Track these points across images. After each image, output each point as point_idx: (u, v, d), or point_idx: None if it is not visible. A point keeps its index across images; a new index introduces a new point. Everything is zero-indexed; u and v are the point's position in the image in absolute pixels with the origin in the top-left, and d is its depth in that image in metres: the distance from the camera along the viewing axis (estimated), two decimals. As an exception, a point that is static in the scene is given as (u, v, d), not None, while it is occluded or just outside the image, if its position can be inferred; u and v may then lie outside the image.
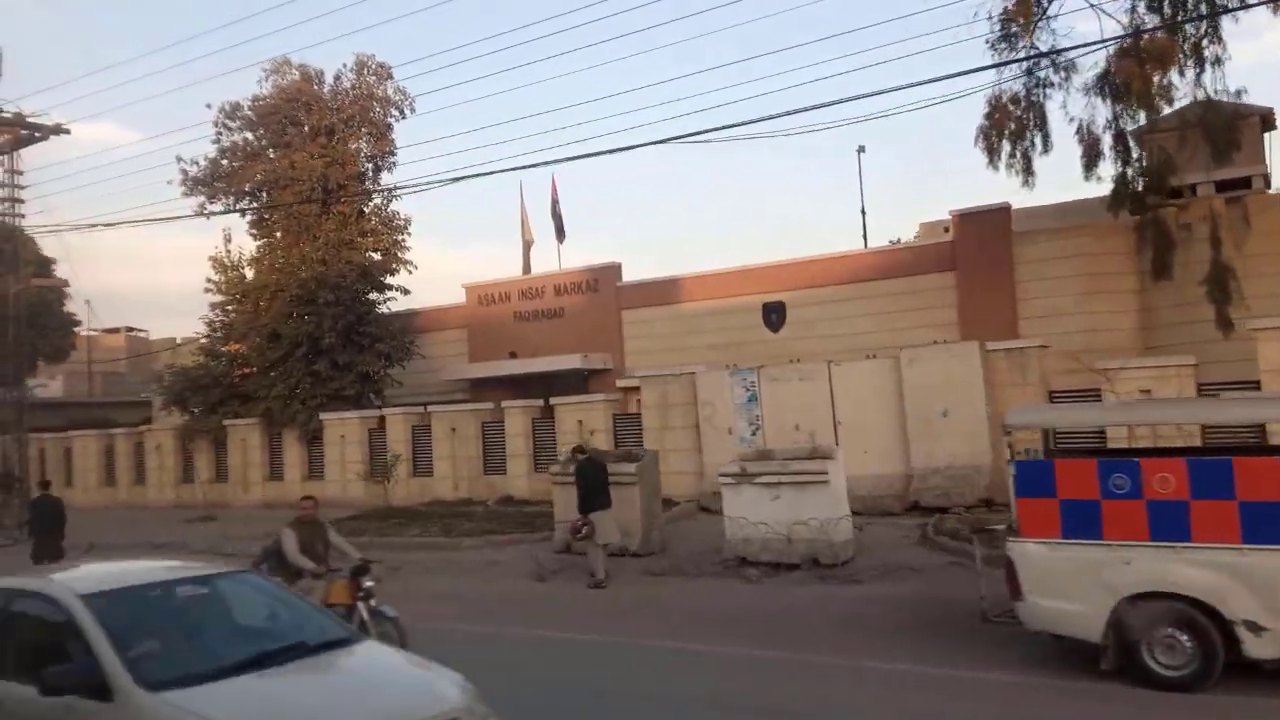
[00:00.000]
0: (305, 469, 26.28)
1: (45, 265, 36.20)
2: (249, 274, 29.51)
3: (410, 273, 27.96)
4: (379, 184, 29.60)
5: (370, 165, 29.39)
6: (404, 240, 28.54)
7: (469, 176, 31.53)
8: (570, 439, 20.54)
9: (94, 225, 24.91)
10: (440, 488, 23.27)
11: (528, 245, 33.45)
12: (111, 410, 49.00)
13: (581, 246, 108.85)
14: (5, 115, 22.83)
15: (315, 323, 25.08)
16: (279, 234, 29.55)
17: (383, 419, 25.05)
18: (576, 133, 79.43)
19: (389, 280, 27.58)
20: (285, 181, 27.45)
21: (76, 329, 39.42)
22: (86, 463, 31.55)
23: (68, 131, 23.28)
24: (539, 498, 20.51)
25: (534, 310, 30.98)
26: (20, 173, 23.29)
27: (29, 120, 23.16)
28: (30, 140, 23.32)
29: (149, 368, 41.37)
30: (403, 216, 28.87)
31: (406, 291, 28.11)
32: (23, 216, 23.21)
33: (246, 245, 29.50)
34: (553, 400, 23.63)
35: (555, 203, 32.61)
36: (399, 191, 28.87)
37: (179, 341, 38.73)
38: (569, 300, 30.67)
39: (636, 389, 22.72)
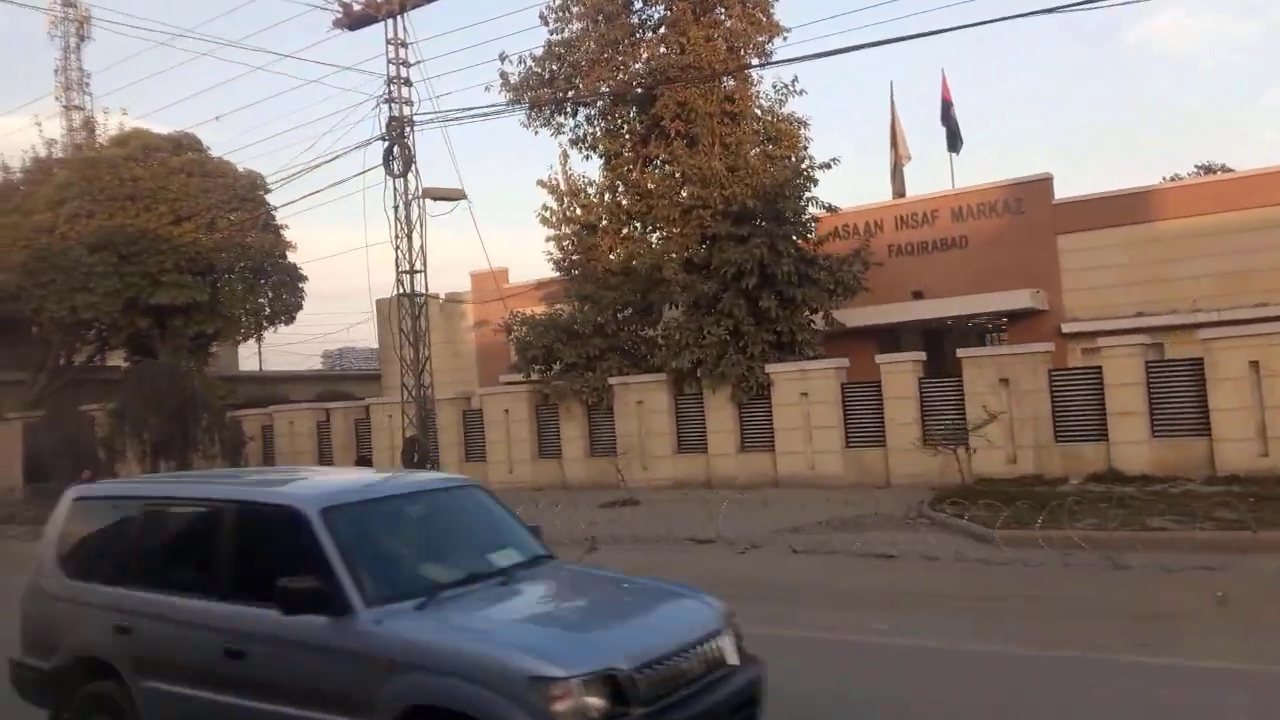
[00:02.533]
0: (738, 438, 20.44)
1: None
2: (592, 197, 23.91)
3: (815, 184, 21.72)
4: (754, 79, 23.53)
5: (753, 55, 23.32)
6: (806, 149, 22.57)
7: (834, 52, 25.14)
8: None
9: (458, 118, 18.96)
10: (989, 460, 17.31)
11: (900, 162, 27.37)
12: (342, 383, 43.79)
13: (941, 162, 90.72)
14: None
15: (760, 248, 19.11)
16: (626, 150, 23.75)
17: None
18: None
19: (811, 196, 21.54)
20: (673, 72, 21.47)
21: (303, 284, 33.86)
22: (390, 438, 25.93)
23: None
24: (1167, 472, 14.84)
25: (919, 241, 24.93)
26: (406, 43, 17.29)
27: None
28: None
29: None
30: (798, 117, 22.86)
31: (832, 209, 22.11)
32: (410, 104, 17.31)
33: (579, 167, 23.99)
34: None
35: (948, 104, 26.45)
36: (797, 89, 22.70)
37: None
38: (975, 226, 24.59)
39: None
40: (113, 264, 28.65)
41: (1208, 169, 34.44)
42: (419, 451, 17.12)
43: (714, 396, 20.46)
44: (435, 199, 17.80)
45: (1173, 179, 30.76)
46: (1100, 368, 17.11)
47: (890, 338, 24.67)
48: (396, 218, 17.27)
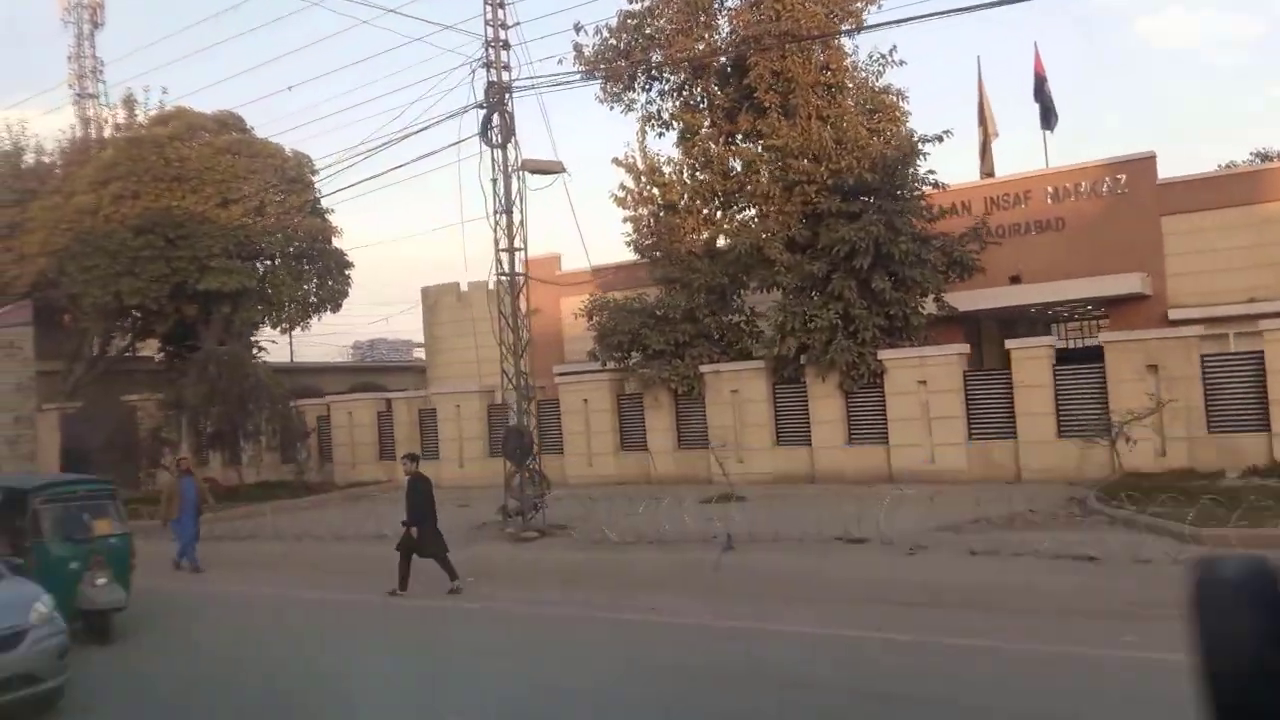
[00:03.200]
0: (846, 429, 19.18)
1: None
2: (670, 176, 22.70)
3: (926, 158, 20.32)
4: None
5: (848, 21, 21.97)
6: (907, 122, 21.23)
7: (931, 15, 23.75)
8: None
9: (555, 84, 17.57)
10: (1136, 453, 16.03)
11: (987, 140, 26.09)
12: (377, 375, 42.50)
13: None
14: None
15: (876, 225, 17.79)
16: (705, 125, 22.49)
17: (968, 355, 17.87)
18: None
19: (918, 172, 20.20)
20: (768, 40, 20.16)
21: (349, 270, 32.58)
22: (458, 429, 24.75)
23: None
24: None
25: (1010, 223, 23.65)
26: (504, 2, 15.95)
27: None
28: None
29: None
30: (895, 89, 21.51)
31: (939, 185, 20.78)
32: (507, 69, 15.96)
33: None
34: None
35: (1041, 78, 25.15)
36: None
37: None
38: (1072, 207, 23.34)
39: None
40: (159, 248, 27.40)
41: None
42: (523, 442, 15.85)
43: (819, 385, 19.20)
44: (533, 172, 16.59)
45: None
46: (1261, 352, 15.85)
47: (972, 325, 23.48)
48: (495, 192, 16.01)
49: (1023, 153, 77.37)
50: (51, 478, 12.43)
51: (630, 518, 16.36)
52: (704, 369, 20.59)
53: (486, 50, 16.01)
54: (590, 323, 21.73)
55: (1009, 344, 18.10)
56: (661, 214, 22.97)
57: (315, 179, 30.85)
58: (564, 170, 16.57)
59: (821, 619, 9.80)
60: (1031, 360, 17.33)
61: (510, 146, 16.16)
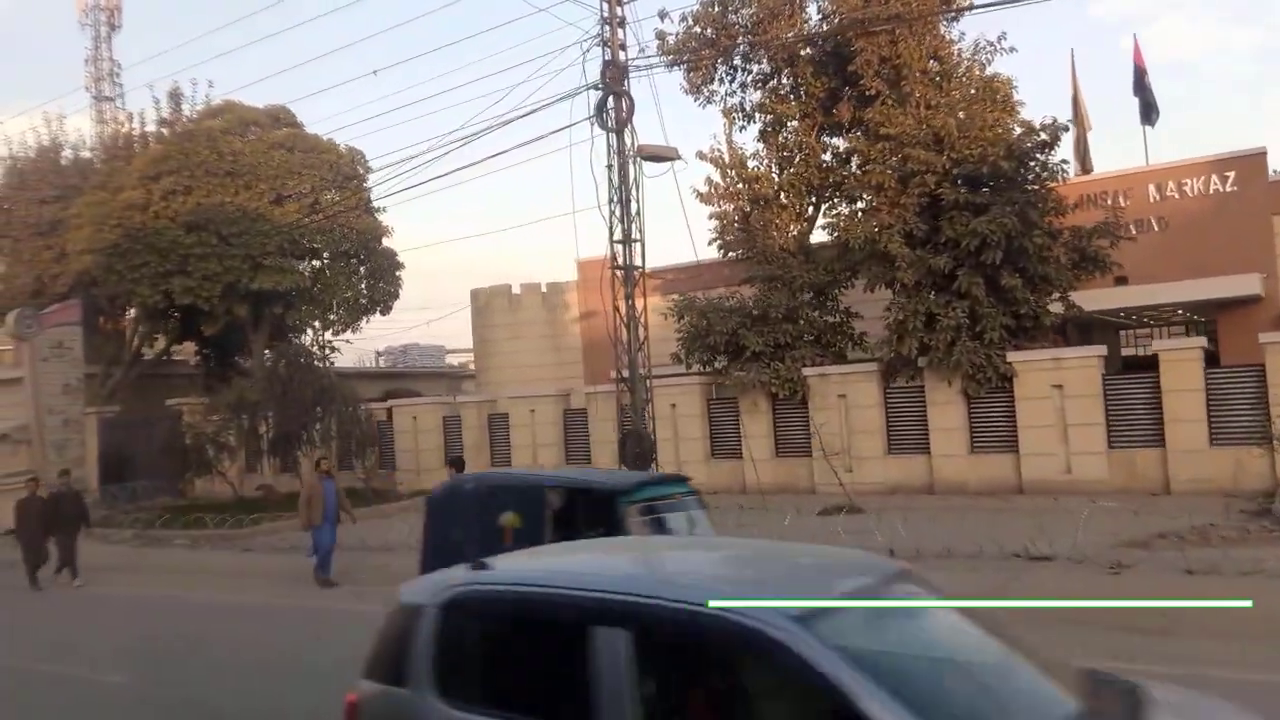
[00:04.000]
0: (968, 436, 18.00)
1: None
2: (759, 169, 21.68)
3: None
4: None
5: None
6: (1020, 113, 20.13)
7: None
8: None
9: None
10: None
11: (1083, 134, 25.00)
12: (408, 380, 41.26)
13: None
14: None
15: (1009, 218, 16.63)
16: (793, 117, 21.45)
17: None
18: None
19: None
20: (876, 24, 19.07)
21: (400, 272, 31.44)
22: (531, 434, 23.53)
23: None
24: None
25: (1109, 222, 22.53)
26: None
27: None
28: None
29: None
30: (1003, 77, 20.41)
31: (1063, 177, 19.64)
32: (624, 48, 14.74)
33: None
34: None
35: (1141, 71, 24.08)
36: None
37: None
38: (1177, 205, 22.26)
39: None
40: (212, 245, 26.27)
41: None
42: (643, 446, 14.68)
43: (939, 389, 18.01)
44: (648, 159, 15.47)
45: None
46: None
47: (1071, 328, 22.37)
48: (611, 179, 14.89)
49: (1118, 150, 74.16)
50: (641, 477, 9.45)
51: (744, 529, 15.17)
52: (808, 372, 19.42)
53: (602, 28, 14.92)
54: (680, 323, 20.53)
55: (1156, 346, 16.96)
56: (748, 209, 21.90)
57: (369, 176, 29.88)
58: (679, 157, 15.52)
59: (1087, 647, 8.61)
60: (1181, 363, 16.17)
61: (626, 132, 15.04)
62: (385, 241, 30.85)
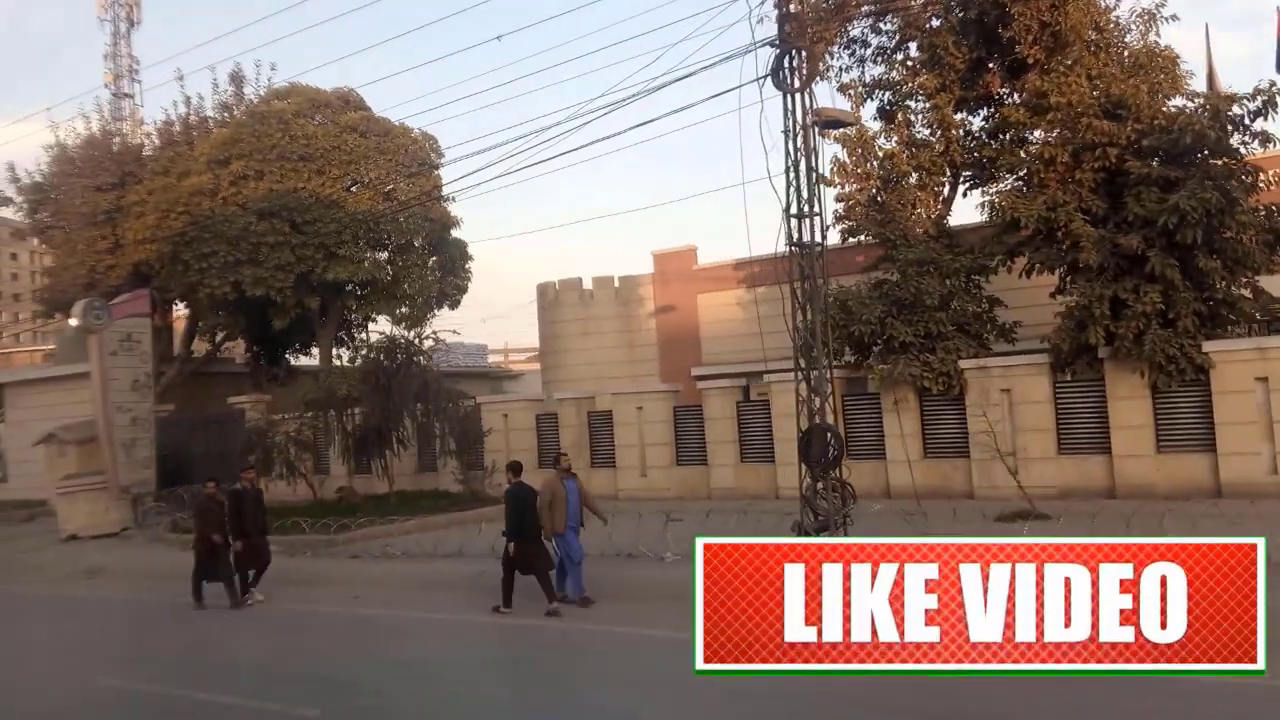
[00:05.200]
0: (1154, 433, 16.37)
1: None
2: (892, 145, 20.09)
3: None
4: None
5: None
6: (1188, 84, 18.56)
7: None
8: None
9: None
10: None
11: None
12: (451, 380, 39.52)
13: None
14: None
15: (1211, 193, 15.00)
16: (928, 94, 19.83)
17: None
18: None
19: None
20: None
21: (469, 264, 29.87)
22: (638, 433, 21.91)
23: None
24: None
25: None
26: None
27: None
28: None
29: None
30: (1165, 47, 18.83)
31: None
32: (804, 1, 13.26)
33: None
34: None
35: (1290, 47, 22.45)
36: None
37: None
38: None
39: None
40: (284, 233, 24.68)
41: None
42: (829, 445, 13.08)
43: (1121, 382, 16.38)
44: (825, 125, 13.93)
45: None
46: None
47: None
48: (789, 146, 13.33)
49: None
50: None
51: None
52: (965, 364, 17.80)
53: (779, -21, 13.32)
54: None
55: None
56: (877, 192, 20.32)
57: (443, 162, 28.33)
58: (859, 122, 13.91)
59: None
60: (1263, 361, 14.55)
61: (806, 94, 13.43)
62: (454, 233, 29.32)
